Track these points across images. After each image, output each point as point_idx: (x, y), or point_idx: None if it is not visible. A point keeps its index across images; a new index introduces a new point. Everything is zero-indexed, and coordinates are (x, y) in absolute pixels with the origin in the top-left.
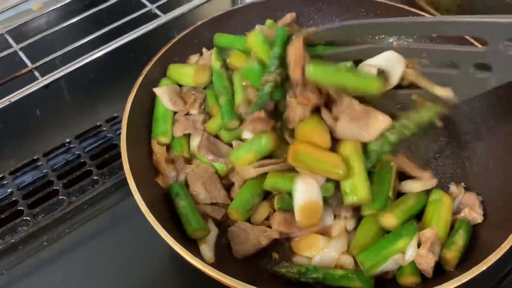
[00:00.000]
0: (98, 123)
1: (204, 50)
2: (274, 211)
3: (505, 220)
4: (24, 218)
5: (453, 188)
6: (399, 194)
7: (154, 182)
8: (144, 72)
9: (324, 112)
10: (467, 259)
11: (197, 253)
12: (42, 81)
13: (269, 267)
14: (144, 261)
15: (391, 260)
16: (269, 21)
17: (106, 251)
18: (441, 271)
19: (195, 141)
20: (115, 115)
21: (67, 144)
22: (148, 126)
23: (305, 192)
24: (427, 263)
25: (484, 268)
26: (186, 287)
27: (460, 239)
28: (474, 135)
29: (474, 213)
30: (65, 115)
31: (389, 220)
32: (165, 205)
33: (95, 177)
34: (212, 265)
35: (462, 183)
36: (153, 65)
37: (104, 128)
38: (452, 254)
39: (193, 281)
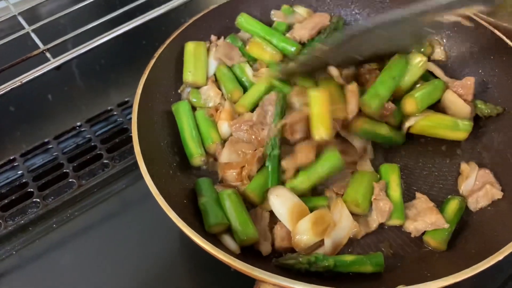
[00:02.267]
0: (109, 107)
1: (212, 37)
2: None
3: None
4: (34, 200)
5: (463, 166)
6: None
7: (165, 170)
8: (156, 55)
9: None
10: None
11: (218, 244)
12: (54, 62)
13: (274, 260)
14: (153, 246)
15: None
16: (285, 7)
17: (115, 235)
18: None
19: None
20: (126, 99)
21: (77, 127)
22: (159, 110)
23: (282, 202)
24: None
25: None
26: (198, 272)
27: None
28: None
29: (494, 189)
30: (76, 99)
31: (410, 105)
32: (184, 198)
33: (105, 161)
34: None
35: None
36: (165, 48)
37: (115, 113)
38: None
39: (204, 267)
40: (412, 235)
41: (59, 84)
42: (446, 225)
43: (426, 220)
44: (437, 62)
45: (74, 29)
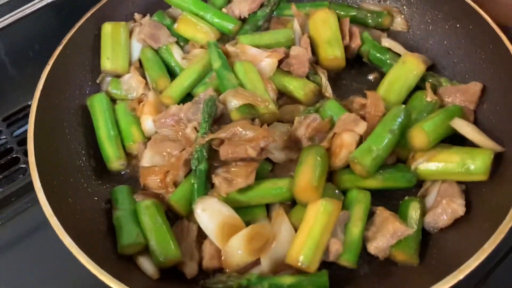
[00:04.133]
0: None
1: (136, 15)
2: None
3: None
4: None
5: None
6: None
7: (75, 179)
8: (64, 41)
9: None
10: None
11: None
12: None
13: (201, 283)
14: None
15: None
16: None
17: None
18: None
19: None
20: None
21: None
22: (71, 105)
23: (211, 216)
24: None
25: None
26: None
27: None
28: None
29: (453, 204)
30: None
31: (419, 139)
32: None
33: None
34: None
35: None
36: (76, 31)
37: None
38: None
39: None
40: (381, 258)
41: None
42: (409, 230)
43: (385, 234)
44: (398, 33)
45: None
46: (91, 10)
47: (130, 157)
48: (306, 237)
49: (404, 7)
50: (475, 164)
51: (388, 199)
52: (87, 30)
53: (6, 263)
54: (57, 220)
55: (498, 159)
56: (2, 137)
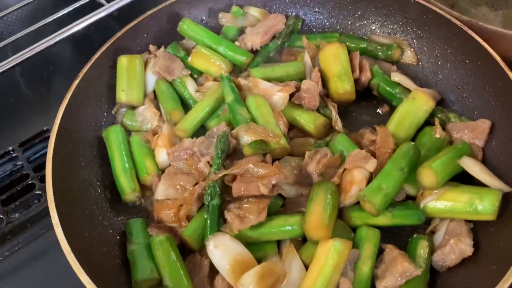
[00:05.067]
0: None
1: (151, 47)
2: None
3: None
4: None
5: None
6: None
7: (90, 211)
8: (81, 74)
9: None
10: None
11: None
12: None
13: None
14: None
15: None
16: (235, 8)
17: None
18: None
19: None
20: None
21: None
22: (87, 137)
23: (223, 253)
24: None
25: None
26: None
27: None
28: None
29: (461, 244)
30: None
31: (427, 178)
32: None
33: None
34: None
35: None
36: (92, 65)
37: None
38: None
39: None
40: None
41: None
42: (418, 271)
43: (394, 274)
44: (407, 66)
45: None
46: (107, 43)
47: (145, 188)
48: (317, 277)
49: (414, 41)
50: (483, 205)
51: (397, 235)
52: (103, 63)
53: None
54: (75, 257)
55: (506, 198)
56: (18, 163)
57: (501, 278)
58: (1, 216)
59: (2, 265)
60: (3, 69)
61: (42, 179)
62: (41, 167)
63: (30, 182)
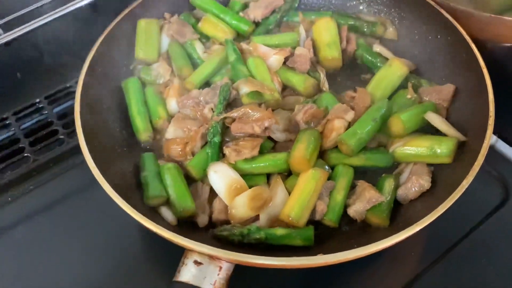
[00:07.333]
0: (68, 85)
1: (166, 14)
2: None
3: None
4: None
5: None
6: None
7: (111, 145)
8: (106, 32)
9: None
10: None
11: (152, 215)
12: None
13: (210, 231)
14: (104, 223)
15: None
16: None
17: (69, 214)
18: None
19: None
20: None
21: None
22: (109, 86)
23: (221, 178)
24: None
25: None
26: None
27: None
28: None
29: (421, 180)
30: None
31: (396, 127)
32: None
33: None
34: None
35: None
36: (114, 26)
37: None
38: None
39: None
40: (358, 220)
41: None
42: (382, 198)
43: (362, 200)
44: (389, 41)
45: (23, 6)
46: (126, 9)
47: (156, 132)
48: (297, 198)
49: (396, 19)
50: (441, 149)
51: (369, 177)
52: (124, 26)
53: (49, 220)
54: (99, 171)
55: (461, 147)
56: (44, 112)
57: (446, 199)
58: (29, 154)
59: (28, 196)
60: (33, 27)
61: (65, 126)
62: (64, 116)
63: (54, 128)
